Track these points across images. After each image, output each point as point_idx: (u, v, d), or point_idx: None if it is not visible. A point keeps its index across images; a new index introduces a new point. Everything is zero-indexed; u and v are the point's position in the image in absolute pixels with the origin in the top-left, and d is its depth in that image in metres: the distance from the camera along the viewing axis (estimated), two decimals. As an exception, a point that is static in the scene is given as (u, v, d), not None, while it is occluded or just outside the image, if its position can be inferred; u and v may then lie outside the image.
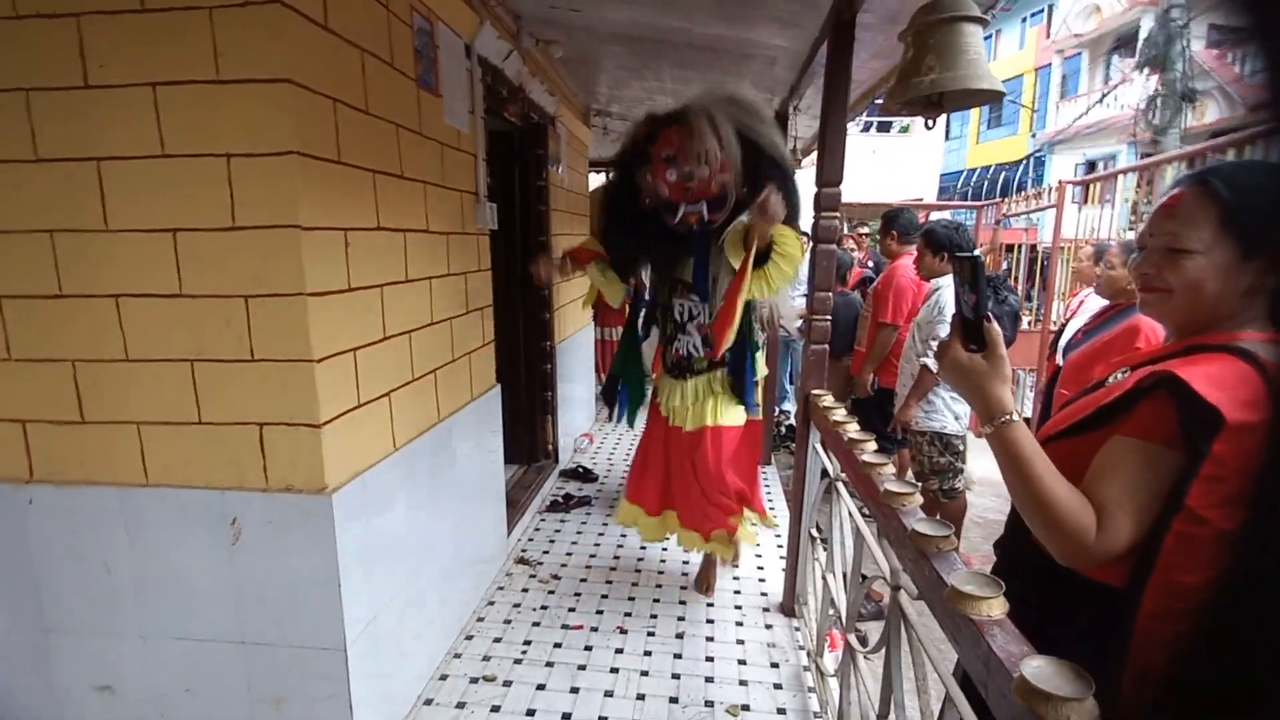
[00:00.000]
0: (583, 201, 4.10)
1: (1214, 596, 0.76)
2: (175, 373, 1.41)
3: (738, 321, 2.01)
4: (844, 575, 1.78)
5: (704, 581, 2.54)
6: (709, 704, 1.94)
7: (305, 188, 1.33)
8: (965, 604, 0.82)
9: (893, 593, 1.18)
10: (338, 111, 1.42)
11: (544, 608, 2.44)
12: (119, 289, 1.38)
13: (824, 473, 2.01)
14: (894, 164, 15.09)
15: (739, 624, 2.35)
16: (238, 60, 1.26)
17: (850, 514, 1.69)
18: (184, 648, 1.53)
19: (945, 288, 2.80)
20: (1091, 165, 14.61)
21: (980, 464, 4.32)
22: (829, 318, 2.21)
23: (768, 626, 2.35)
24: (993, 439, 0.90)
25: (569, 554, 2.87)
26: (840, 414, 1.84)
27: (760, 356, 2.33)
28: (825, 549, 1.99)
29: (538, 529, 3.13)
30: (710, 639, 2.26)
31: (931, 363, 2.75)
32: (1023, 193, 6.81)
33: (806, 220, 2.30)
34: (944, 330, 2.72)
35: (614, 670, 2.09)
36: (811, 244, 2.22)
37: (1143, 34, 10.98)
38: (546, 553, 2.89)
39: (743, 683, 2.04)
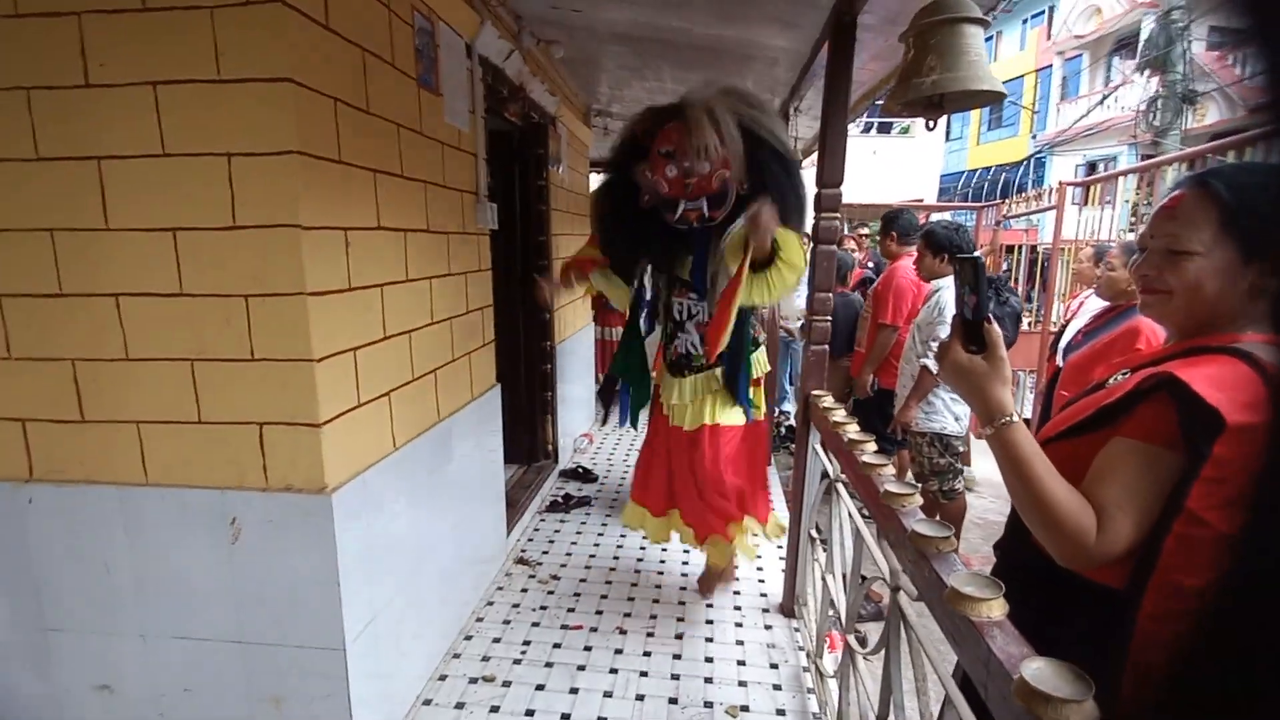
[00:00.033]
0: (583, 201, 4.10)
1: (1214, 599, 0.76)
2: (175, 372, 1.41)
3: (731, 327, 1.97)
4: (844, 576, 1.78)
5: (703, 584, 2.52)
6: (708, 705, 1.94)
7: (306, 187, 1.33)
8: (965, 605, 0.81)
9: (892, 594, 1.18)
10: (338, 111, 1.42)
11: (543, 608, 2.44)
12: (119, 288, 1.38)
13: (824, 473, 2.00)
14: (894, 165, 15.08)
15: (738, 624, 2.35)
16: (238, 59, 1.26)
17: (850, 515, 1.69)
18: (183, 647, 1.53)
19: (945, 289, 2.80)
20: (1092, 167, 14.61)
21: (982, 466, 4.32)
22: (829, 318, 2.21)
23: (767, 627, 2.35)
24: (993, 440, 0.90)
25: (568, 554, 2.87)
26: (840, 415, 1.84)
27: (760, 355, 2.28)
28: (825, 550, 1.98)
29: (537, 529, 3.12)
30: (709, 639, 2.26)
31: (931, 364, 2.75)
32: (1023, 194, 6.82)
33: (808, 220, 2.28)
34: (944, 331, 2.72)
35: (613, 671, 2.08)
36: (811, 245, 2.21)
37: (1143, 36, 10.99)
38: (546, 553, 2.89)
39: (742, 683, 2.04)
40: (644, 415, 2.55)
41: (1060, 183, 5.10)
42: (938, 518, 2.60)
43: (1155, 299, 0.94)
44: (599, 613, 2.41)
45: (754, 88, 3.16)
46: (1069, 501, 0.85)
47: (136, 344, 1.41)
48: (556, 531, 3.10)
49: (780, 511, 2.74)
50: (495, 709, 1.91)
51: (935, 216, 6.96)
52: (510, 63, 2.47)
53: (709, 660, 2.15)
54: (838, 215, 2.18)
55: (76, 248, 1.37)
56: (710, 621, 2.36)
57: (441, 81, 1.95)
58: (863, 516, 1.56)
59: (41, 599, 1.54)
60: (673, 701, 1.95)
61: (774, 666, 2.12)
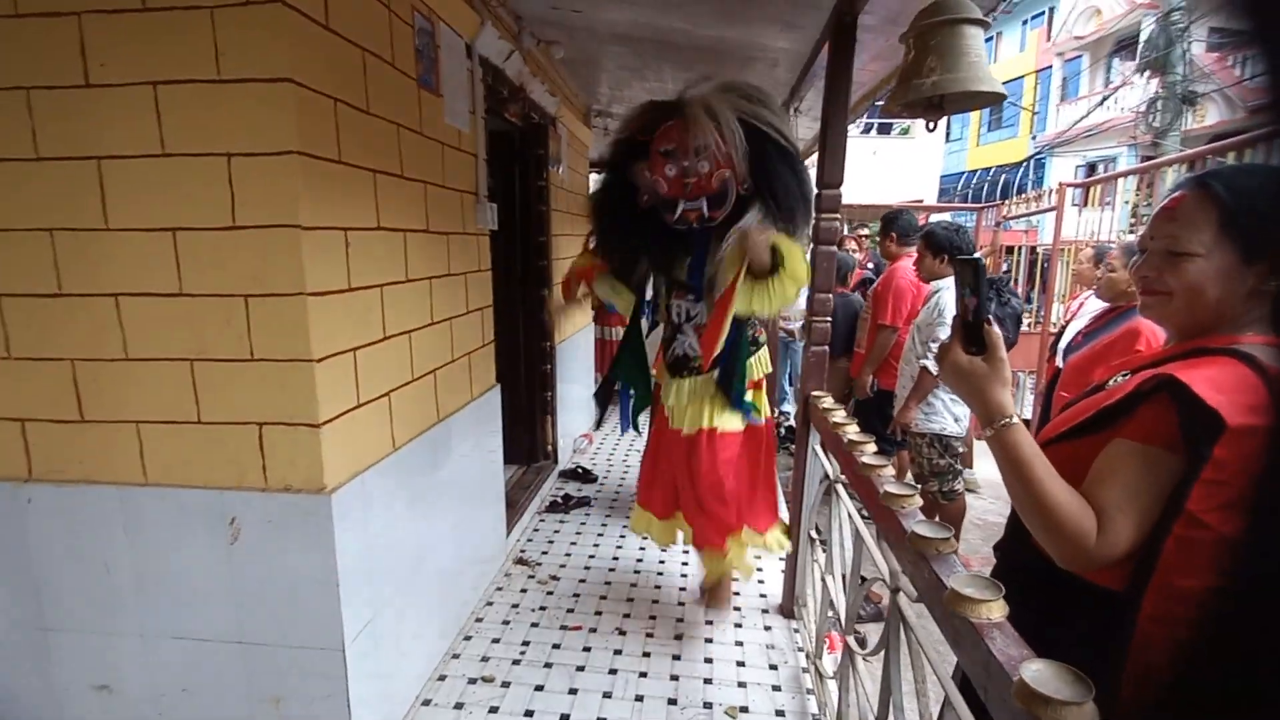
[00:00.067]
0: (583, 202, 4.10)
1: (1215, 601, 0.76)
2: (175, 372, 1.41)
3: (725, 334, 1.92)
4: (843, 577, 1.78)
5: (708, 594, 2.43)
6: (707, 705, 1.94)
7: (305, 187, 1.32)
8: (965, 607, 0.81)
9: (892, 595, 1.18)
10: (338, 111, 1.42)
11: (542, 608, 2.44)
12: (119, 288, 1.38)
13: (823, 474, 2.00)
14: (894, 165, 15.10)
15: (738, 625, 2.35)
16: (238, 59, 1.26)
17: (850, 516, 1.69)
18: (183, 647, 1.53)
19: (945, 290, 2.81)
20: (1092, 168, 14.62)
21: (983, 467, 4.32)
22: (829, 319, 2.21)
23: (766, 628, 2.35)
24: (993, 442, 0.90)
25: (568, 555, 2.87)
26: (840, 416, 1.84)
27: (761, 357, 2.21)
28: (824, 551, 1.98)
29: (537, 529, 3.12)
30: (709, 640, 2.26)
31: (931, 365, 2.75)
32: (1023, 195, 6.82)
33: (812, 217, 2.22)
34: (944, 332, 2.72)
35: (612, 671, 2.08)
36: (812, 245, 2.20)
37: (1143, 37, 10.99)
38: (545, 553, 2.88)
39: (741, 684, 2.04)
40: (644, 418, 2.52)
41: (1060, 184, 5.11)
42: (937, 519, 2.60)
43: (1155, 300, 0.94)
44: (598, 613, 2.41)
45: (755, 86, 3.16)
46: (1069, 503, 0.85)
47: (136, 344, 1.41)
48: (556, 532, 3.10)
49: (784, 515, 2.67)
50: (494, 709, 1.91)
51: (935, 217, 6.96)
52: (510, 63, 2.47)
53: (708, 661, 2.15)
54: (838, 216, 2.17)
55: (76, 248, 1.37)
56: (709, 622, 2.36)
57: (442, 82, 1.95)
58: (862, 517, 1.56)
59: (41, 599, 1.54)
60: (672, 702, 1.95)
61: (773, 667, 2.12)
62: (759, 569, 2.69)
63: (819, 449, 2.10)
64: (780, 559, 2.58)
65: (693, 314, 2.15)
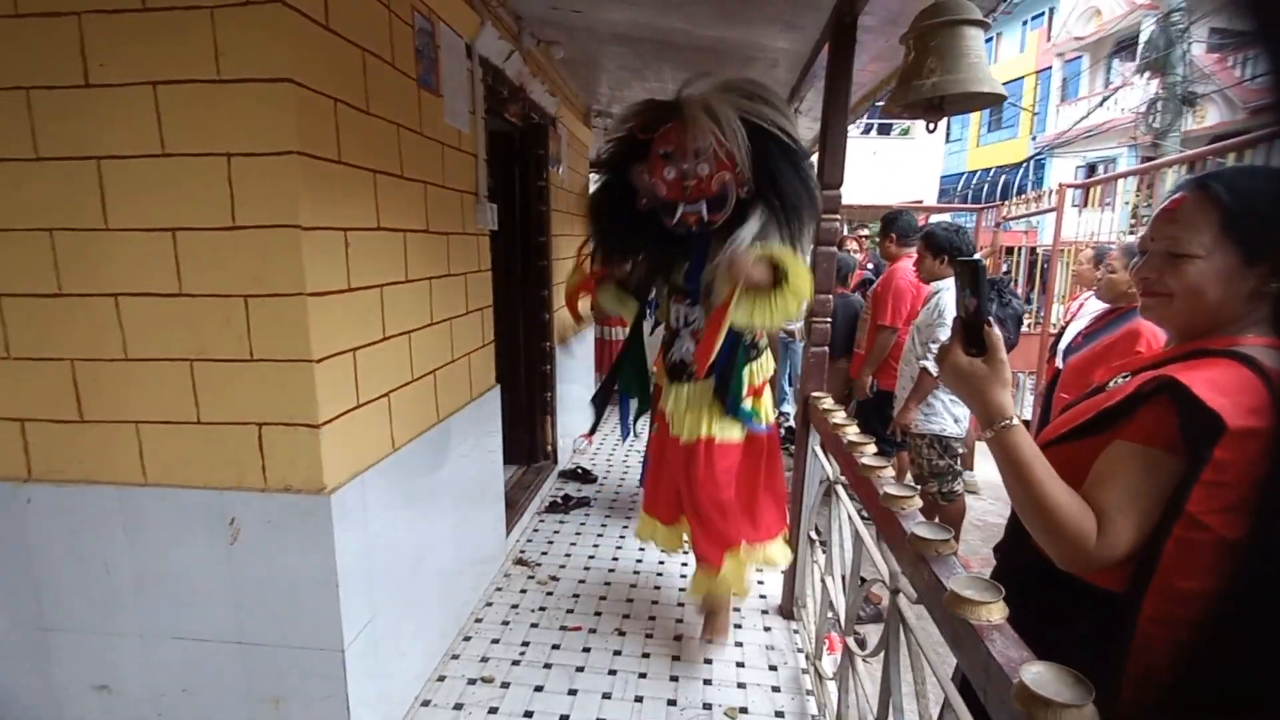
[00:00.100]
0: (583, 202, 4.10)
1: (1217, 603, 0.75)
2: (174, 372, 1.41)
3: (718, 346, 1.87)
4: (843, 578, 1.78)
5: (705, 624, 2.25)
6: (707, 706, 1.94)
7: (305, 187, 1.32)
8: (964, 608, 0.81)
9: (892, 596, 1.18)
10: (338, 111, 1.42)
11: (542, 609, 2.44)
12: (118, 288, 1.38)
13: (823, 475, 2.00)
14: (894, 166, 15.09)
15: (737, 626, 2.34)
16: (238, 60, 1.26)
17: (849, 517, 1.69)
18: (182, 647, 1.53)
19: (945, 290, 2.80)
20: (1092, 168, 14.63)
21: (984, 469, 4.32)
22: (829, 320, 2.21)
23: (766, 629, 2.35)
24: (993, 443, 0.90)
25: (567, 555, 2.87)
26: (840, 417, 1.84)
27: (762, 360, 2.12)
28: (824, 551, 1.98)
29: (536, 530, 3.12)
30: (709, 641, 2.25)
31: (931, 365, 2.75)
32: (1023, 195, 6.82)
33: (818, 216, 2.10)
34: (944, 333, 2.72)
35: (612, 672, 2.08)
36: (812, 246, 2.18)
37: (1143, 38, 11.00)
38: (545, 554, 2.88)
39: (741, 685, 2.04)
40: (644, 422, 2.46)
41: (1060, 184, 5.11)
42: (937, 520, 2.59)
43: (1156, 302, 0.94)
44: (598, 614, 2.41)
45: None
46: (1069, 505, 0.85)
47: (136, 344, 1.40)
48: (555, 532, 3.10)
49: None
50: (494, 710, 1.90)
51: (935, 218, 6.96)
52: (510, 63, 2.47)
53: (708, 662, 2.15)
54: (838, 217, 2.17)
55: (76, 248, 1.37)
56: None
57: (442, 82, 1.94)
58: (862, 518, 1.56)
59: (40, 599, 1.54)
60: (671, 703, 1.95)
61: (773, 668, 2.12)
62: (759, 569, 2.66)
63: (819, 450, 2.10)
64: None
65: (690, 319, 2.09)
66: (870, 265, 5.20)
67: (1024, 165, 16.01)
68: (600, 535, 3.07)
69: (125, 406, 1.43)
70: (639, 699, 1.96)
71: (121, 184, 1.34)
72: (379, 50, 1.58)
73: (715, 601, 2.19)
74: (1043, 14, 17.45)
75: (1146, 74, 10.07)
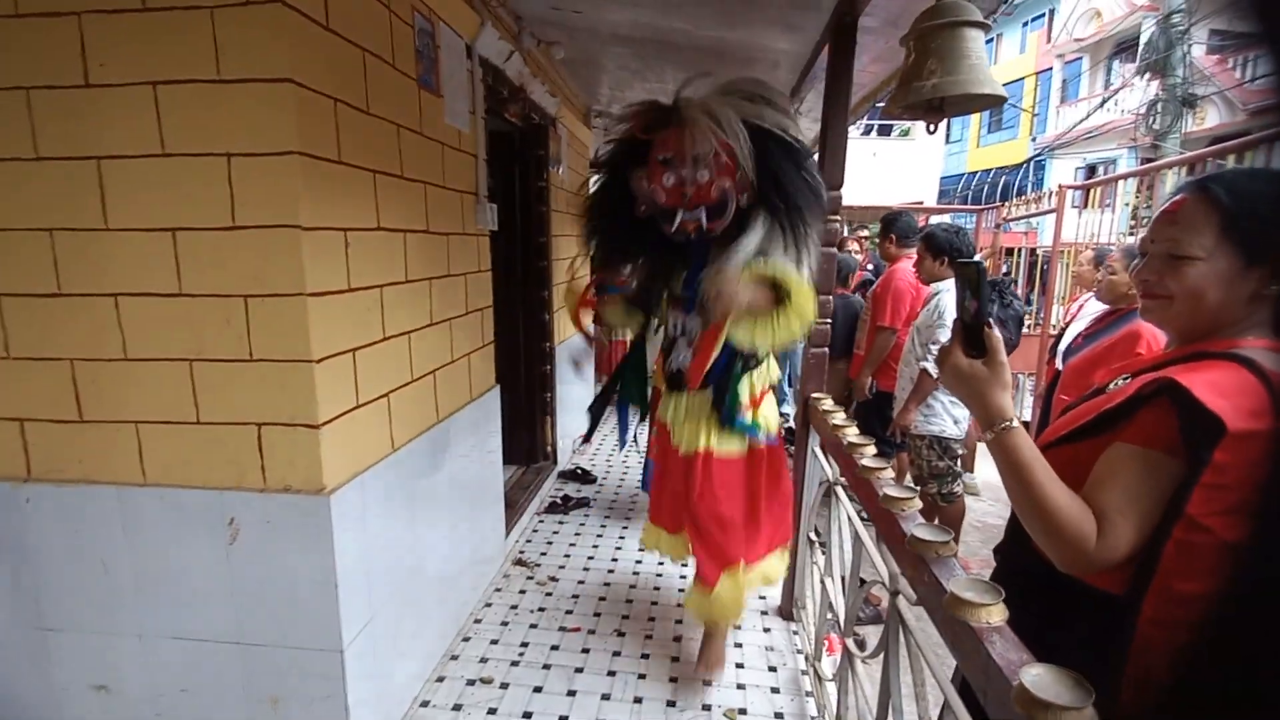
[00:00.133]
0: (579, 202, 4.09)
1: (1217, 606, 0.75)
2: (174, 372, 1.40)
3: (710, 364, 1.85)
4: (842, 579, 1.78)
5: (700, 656, 2.09)
6: (706, 707, 1.93)
7: (306, 188, 1.32)
8: (964, 610, 0.81)
9: (891, 598, 1.18)
10: (338, 111, 1.42)
11: (541, 610, 2.44)
12: (118, 288, 1.38)
13: (823, 476, 2.00)
14: (894, 167, 15.11)
15: (737, 627, 2.34)
16: (239, 60, 1.26)
17: (849, 518, 1.68)
18: (181, 647, 1.53)
19: (945, 292, 2.80)
20: (1092, 169, 14.63)
21: (984, 470, 4.32)
22: (828, 321, 2.21)
23: (765, 630, 2.35)
24: (993, 445, 0.90)
25: (567, 556, 2.87)
26: (840, 418, 1.83)
27: (764, 368, 2.03)
28: (824, 553, 1.98)
29: (536, 530, 3.12)
30: (708, 642, 2.25)
31: (931, 367, 2.75)
32: (1023, 196, 6.82)
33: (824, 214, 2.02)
34: (944, 334, 2.72)
35: (611, 673, 2.08)
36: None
37: (1143, 39, 11.00)
38: (544, 554, 2.88)
39: (740, 686, 2.03)
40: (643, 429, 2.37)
41: (1060, 186, 5.11)
42: (936, 521, 2.59)
43: (1156, 304, 0.94)
44: (597, 615, 2.41)
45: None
46: (1069, 507, 0.84)
47: (135, 344, 1.40)
48: (555, 533, 3.10)
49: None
50: (492, 711, 1.90)
51: (935, 219, 6.96)
52: (511, 64, 2.47)
53: (707, 662, 2.14)
54: (838, 218, 2.17)
55: (76, 248, 1.37)
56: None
57: (442, 82, 1.94)
58: (862, 520, 1.56)
59: (39, 599, 1.54)
60: (671, 704, 1.95)
61: (772, 669, 2.12)
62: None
63: (818, 451, 2.10)
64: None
65: (688, 328, 2.02)
66: (870, 266, 5.20)
67: (1024, 166, 16.01)
68: (600, 536, 3.07)
69: (125, 406, 1.43)
70: (638, 700, 1.96)
71: (121, 184, 1.34)
72: (379, 50, 1.58)
73: (710, 628, 2.08)
74: (1043, 15, 17.46)
75: (1146, 75, 10.07)
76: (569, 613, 2.42)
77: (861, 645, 1.67)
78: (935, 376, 2.69)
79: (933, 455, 2.87)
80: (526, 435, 3.61)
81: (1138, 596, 0.85)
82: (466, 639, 2.24)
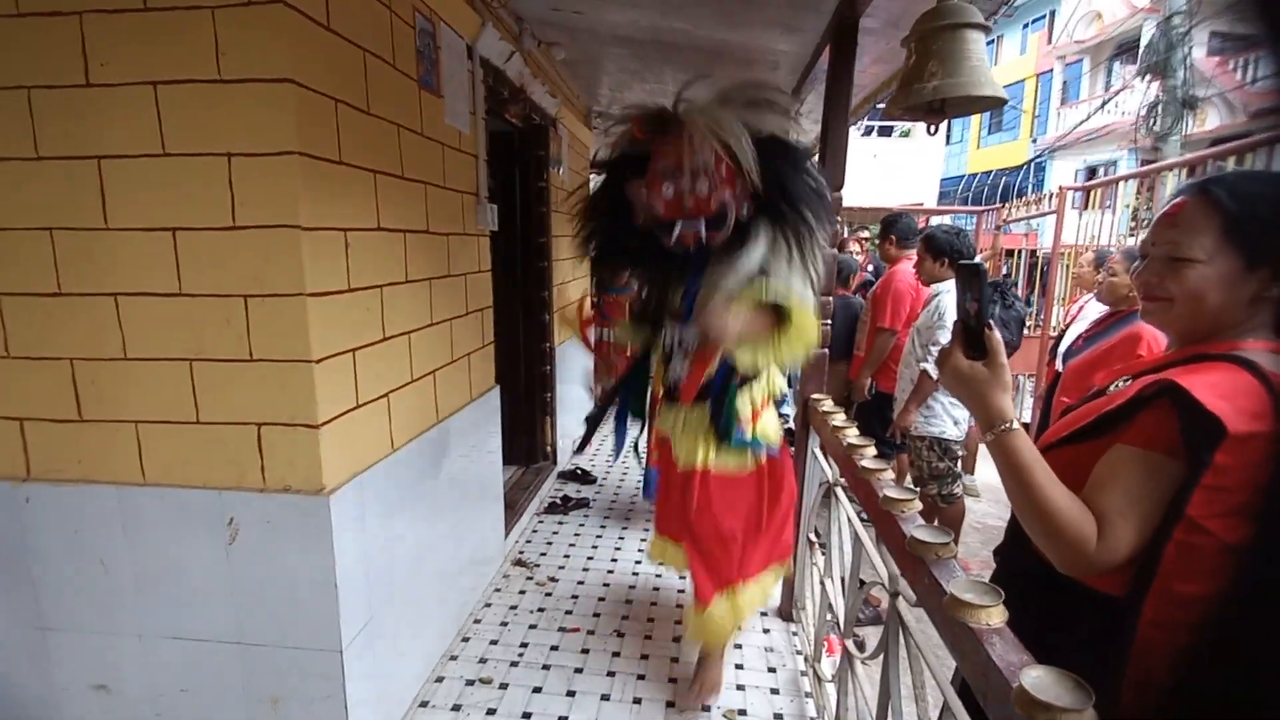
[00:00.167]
0: (576, 207, 4.09)
1: (1217, 608, 0.75)
2: (174, 372, 1.40)
3: (703, 381, 1.82)
4: (842, 580, 1.78)
5: (695, 678, 2.02)
6: (706, 708, 1.93)
7: (306, 188, 1.32)
8: (964, 612, 0.81)
9: (891, 599, 1.18)
10: (339, 111, 1.42)
11: (541, 610, 2.44)
12: (118, 288, 1.38)
13: (823, 478, 2.00)
14: (895, 168, 15.10)
15: (736, 628, 2.33)
16: (239, 60, 1.26)
17: (849, 519, 1.68)
18: (181, 647, 1.52)
19: (945, 293, 2.80)
20: (1092, 171, 14.63)
21: (984, 471, 4.32)
22: (828, 321, 2.21)
23: (765, 631, 2.35)
24: (993, 447, 0.90)
25: (566, 556, 2.87)
26: (840, 419, 1.83)
27: (760, 383, 1.93)
28: (824, 554, 1.98)
29: (535, 531, 3.12)
30: (708, 643, 2.25)
31: (931, 368, 2.75)
32: (1023, 198, 6.82)
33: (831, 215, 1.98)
34: (944, 336, 2.72)
35: (610, 674, 2.08)
36: None
37: (1144, 41, 11.00)
38: (544, 555, 2.88)
39: (740, 687, 2.03)
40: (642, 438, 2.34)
41: (1060, 187, 5.11)
42: (936, 522, 2.59)
43: (1157, 306, 0.94)
44: (596, 615, 2.41)
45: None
46: (1069, 508, 0.84)
47: (135, 344, 1.40)
48: (555, 533, 3.10)
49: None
50: (492, 711, 1.90)
51: (935, 220, 6.97)
52: (511, 64, 2.47)
53: (707, 663, 2.14)
54: (839, 219, 2.17)
55: (76, 247, 1.37)
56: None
57: (442, 83, 1.94)
58: (861, 521, 1.56)
59: (39, 598, 1.54)
60: (670, 705, 1.95)
61: (772, 670, 2.12)
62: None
63: (818, 452, 2.10)
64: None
65: (685, 340, 1.95)
66: (870, 267, 5.20)
67: (1024, 168, 16.03)
68: (599, 536, 3.06)
69: (124, 406, 1.43)
70: (637, 700, 1.96)
71: (122, 183, 1.34)
72: (380, 51, 1.58)
73: (706, 649, 2.02)
74: (1044, 17, 17.48)
75: (1147, 77, 10.08)
76: (568, 613, 2.42)
77: (861, 646, 1.67)
78: (935, 378, 2.69)
79: (933, 456, 2.87)
80: (526, 435, 3.61)
81: (1138, 598, 0.85)
82: (466, 639, 2.24)
